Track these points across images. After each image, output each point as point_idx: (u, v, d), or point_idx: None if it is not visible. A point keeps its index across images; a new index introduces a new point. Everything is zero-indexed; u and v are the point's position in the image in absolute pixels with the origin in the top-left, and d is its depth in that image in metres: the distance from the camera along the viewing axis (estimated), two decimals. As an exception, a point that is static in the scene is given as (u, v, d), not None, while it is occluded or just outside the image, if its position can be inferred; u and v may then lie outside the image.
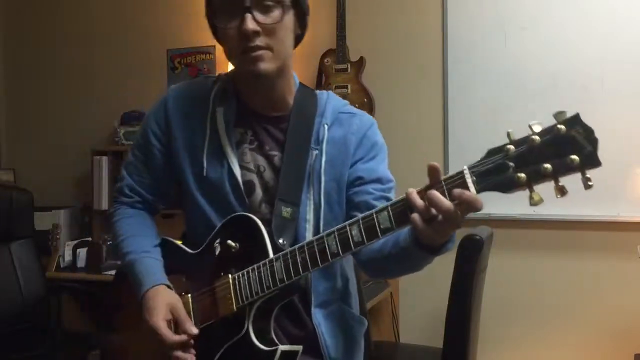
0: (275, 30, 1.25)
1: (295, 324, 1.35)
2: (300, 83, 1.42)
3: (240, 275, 1.26)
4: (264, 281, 1.22)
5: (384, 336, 3.26)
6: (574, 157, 0.92)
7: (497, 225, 2.97)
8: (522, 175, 0.96)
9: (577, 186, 0.98)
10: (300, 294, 1.33)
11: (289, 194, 1.32)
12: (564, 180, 0.95)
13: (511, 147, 0.97)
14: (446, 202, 1.01)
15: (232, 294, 1.26)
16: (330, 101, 1.40)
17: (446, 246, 1.16)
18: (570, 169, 0.93)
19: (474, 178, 1.00)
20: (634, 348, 2.87)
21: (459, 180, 1.01)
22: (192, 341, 1.27)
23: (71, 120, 4.05)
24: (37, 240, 3.08)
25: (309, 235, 1.32)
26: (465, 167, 1.01)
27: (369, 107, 3.38)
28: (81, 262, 3.42)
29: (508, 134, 0.99)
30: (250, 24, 1.22)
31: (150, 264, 1.37)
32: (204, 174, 1.34)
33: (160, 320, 1.27)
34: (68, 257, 3.45)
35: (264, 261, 1.23)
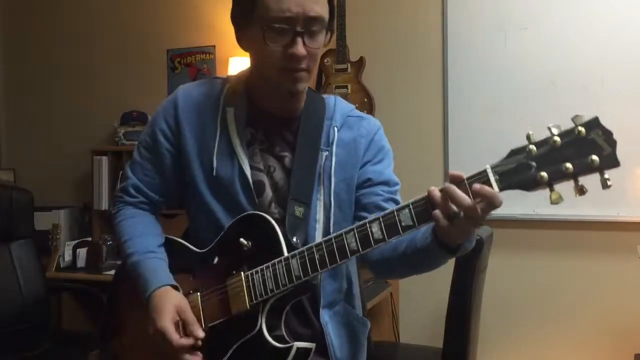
0: (317, 54, 1.32)
1: (303, 323, 1.36)
2: (308, 87, 1.44)
3: (254, 272, 1.27)
4: (279, 278, 1.23)
5: (384, 336, 3.26)
6: (595, 157, 0.98)
7: (497, 225, 2.97)
8: (544, 174, 1.01)
9: (588, 187, 0.99)
10: (311, 293, 1.33)
11: (301, 194, 1.34)
12: (583, 180, 1.00)
13: (533, 147, 1.02)
14: (466, 197, 1.05)
15: (245, 292, 1.26)
16: (338, 105, 1.44)
17: (465, 245, 1.19)
18: (591, 169, 0.98)
19: (497, 177, 1.04)
20: (634, 348, 2.87)
21: (482, 178, 1.05)
22: (199, 343, 1.28)
23: (71, 120, 4.05)
24: (37, 240, 3.08)
25: (318, 235, 1.34)
26: (488, 166, 1.05)
27: (369, 107, 3.38)
28: (81, 262, 3.42)
29: (528, 136, 1.02)
30: (302, 49, 1.27)
31: (156, 264, 1.37)
32: (214, 174, 1.35)
33: (167, 323, 1.27)
34: (68, 257, 3.45)
35: (279, 258, 1.24)
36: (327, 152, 1.37)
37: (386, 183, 1.41)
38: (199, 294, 1.34)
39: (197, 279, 1.38)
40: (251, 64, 1.39)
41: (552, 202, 1.01)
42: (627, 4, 3.05)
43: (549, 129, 1.01)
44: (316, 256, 1.20)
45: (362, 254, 1.18)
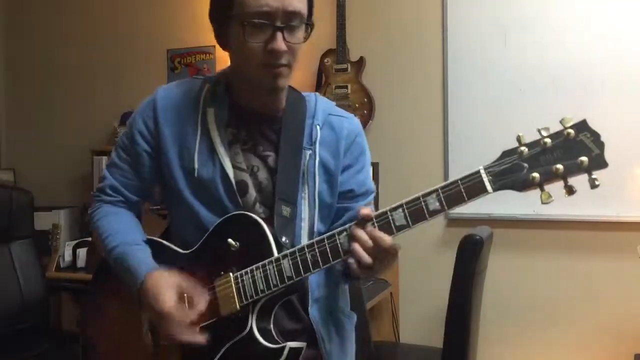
0: (297, 50, 1.31)
1: (291, 319, 1.36)
2: (289, 85, 1.43)
3: (244, 273, 1.26)
4: (270, 279, 1.23)
5: (384, 336, 3.26)
6: (584, 158, 1.02)
7: (497, 225, 2.97)
8: (536, 175, 1.05)
9: (578, 187, 1.01)
10: (301, 292, 1.33)
11: (287, 194, 1.33)
12: (572, 181, 1.04)
13: (525, 149, 1.05)
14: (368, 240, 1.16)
15: (235, 293, 1.26)
16: (319, 103, 1.44)
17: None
18: (580, 169, 1.02)
19: (490, 177, 1.07)
20: (634, 348, 2.87)
21: (476, 179, 1.07)
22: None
23: (71, 120, 4.06)
24: (37, 240, 3.08)
25: (304, 234, 1.33)
26: (481, 167, 1.08)
27: (369, 107, 3.38)
28: (81, 262, 3.41)
29: (518, 138, 1.06)
30: (282, 44, 1.26)
31: (141, 254, 1.35)
32: (195, 175, 1.33)
33: (167, 303, 1.24)
34: (68, 257, 3.45)
35: (270, 259, 1.24)
36: (310, 151, 1.37)
37: (366, 193, 1.43)
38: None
39: None
40: (231, 62, 1.38)
41: (543, 202, 1.05)
42: (627, 4, 3.05)
43: (539, 131, 1.05)
44: (308, 257, 1.20)
45: None
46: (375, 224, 1.15)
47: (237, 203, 1.32)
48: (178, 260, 1.36)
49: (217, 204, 1.33)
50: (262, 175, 1.36)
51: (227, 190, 1.33)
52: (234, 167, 1.34)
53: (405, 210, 1.13)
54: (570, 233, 3.13)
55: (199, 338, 1.25)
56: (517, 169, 1.05)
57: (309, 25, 1.32)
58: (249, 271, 1.25)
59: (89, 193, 3.68)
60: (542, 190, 1.05)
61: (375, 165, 3.25)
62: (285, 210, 1.31)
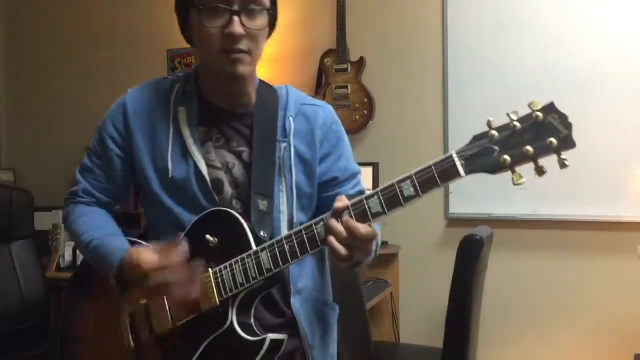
0: (257, 36, 1.29)
1: (273, 312, 1.36)
2: (259, 80, 1.43)
3: (222, 268, 1.26)
4: (249, 272, 1.23)
5: (384, 336, 3.26)
6: (552, 139, 1.03)
7: (497, 225, 2.97)
8: (507, 157, 1.06)
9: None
10: (281, 284, 1.33)
11: (263, 187, 1.33)
12: (542, 161, 1.05)
13: (494, 132, 1.07)
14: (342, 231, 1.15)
15: (214, 287, 1.26)
16: (291, 93, 1.43)
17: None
18: (549, 150, 1.04)
19: (462, 161, 1.08)
20: (634, 348, 2.87)
21: (449, 163, 1.08)
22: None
23: (71, 121, 4.05)
24: (37, 240, 3.09)
25: (283, 226, 1.33)
26: (453, 151, 1.09)
27: (369, 107, 3.38)
28: (81, 262, 3.42)
29: (488, 122, 1.08)
30: (238, 28, 1.25)
31: (118, 240, 1.35)
32: (170, 175, 1.33)
33: (151, 257, 1.24)
34: (68, 257, 3.45)
35: (248, 252, 1.24)
36: (285, 143, 1.36)
37: (352, 176, 1.42)
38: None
39: None
40: (197, 56, 1.38)
41: (515, 184, 1.06)
42: (627, 4, 3.05)
43: (508, 115, 1.07)
44: (286, 247, 1.20)
45: None
46: (352, 212, 1.15)
47: (214, 201, 1.32)
48: None
49: (194, 204, 1.33)
50: (238, 171, 1.36)
51: (203, 189, 1.33)
52: (208, 165, 1.34)
53: (381, 197, 1.13)
54: (570, 233, 3.13)
55: (195, 275, 1.25)
56: (488, 152, 1.07)
57: (270, 12, 1.31)
58: (227, 265, 1.25)
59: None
60: (513, 172, 1.06)
61: (375, 165, 3.25)
62: (262, 204, 1.31)
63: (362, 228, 1.13)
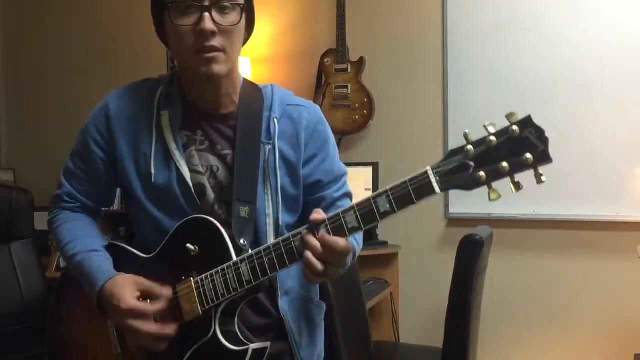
0: (231, 33, 1.26)
1: (259, 314, 1.35)
2: (244, 79, 1.41)
3: (204, 277, 1.24)
4: (230, 283, 1.22)
5: (384, 336, 3.26)
6: (529, 155, 1.02)
7: (497, 225, 2.97)
8: (482, 174, 1.04)
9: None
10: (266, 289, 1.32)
11: (245, 193, 1.31)
12: (518, 177, 1.04)
13: (470, 147, 1.05)
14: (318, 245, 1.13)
15: (197, 298, 1.24)
16: (276, 93, 1.40)
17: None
18: (525, 166, 1.02)
19: (438, 178, 1.07)
20: (634, 348, 2.87)
21: (424, 180, 1.07)
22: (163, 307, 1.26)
23: (71, 121, 4.04)
24: (37, 240, 3.08)
25: (270, 230, 1.32)
26: (429, 167, 1.07)
27: (369, 107, 3.38)
28: (81, 262, 3.41)
29: (465, 135, 1.06)
30: (209, 24, 1.23)
31: (101, 261, 1.34)
32: (152, 180, 1.31)
33: (130, 300, 1.23)
34: (68, 257, 3.45)
35: (228, 264, 1.22)
36: (269, 146, 1.33)
37: (337, 179, 1.40)
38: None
39: None
40: (175, 58, 1.35)
41: (491, 200, 1.05)
42: (627, 4, 3.05)
43: (485, 127, 1.05)
44: (265, 260, 1.19)
45: None
46: (329, 227, 1.14)
47: (197, 206, 1.30)
48: (140, 265, 1.34)
49: (177, 209, 1.31)
50: (222, 174, 1.34)
51: (186, 195, 1.31)
52: (191, 170, 1.32)
53: (357, 213, 1.12)
54: (570, 233, 3.13)
55: (168, 330, 1.24)
56: (464, 169, 1.05)
57: (243, 8, 1.27)
58: (209, 276, 1.24)
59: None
60: (489, 188, 1.05)
61: (375, 165, 3.26)
62: (243, 211, 1.29)
63: (340, 243, 1.12)
